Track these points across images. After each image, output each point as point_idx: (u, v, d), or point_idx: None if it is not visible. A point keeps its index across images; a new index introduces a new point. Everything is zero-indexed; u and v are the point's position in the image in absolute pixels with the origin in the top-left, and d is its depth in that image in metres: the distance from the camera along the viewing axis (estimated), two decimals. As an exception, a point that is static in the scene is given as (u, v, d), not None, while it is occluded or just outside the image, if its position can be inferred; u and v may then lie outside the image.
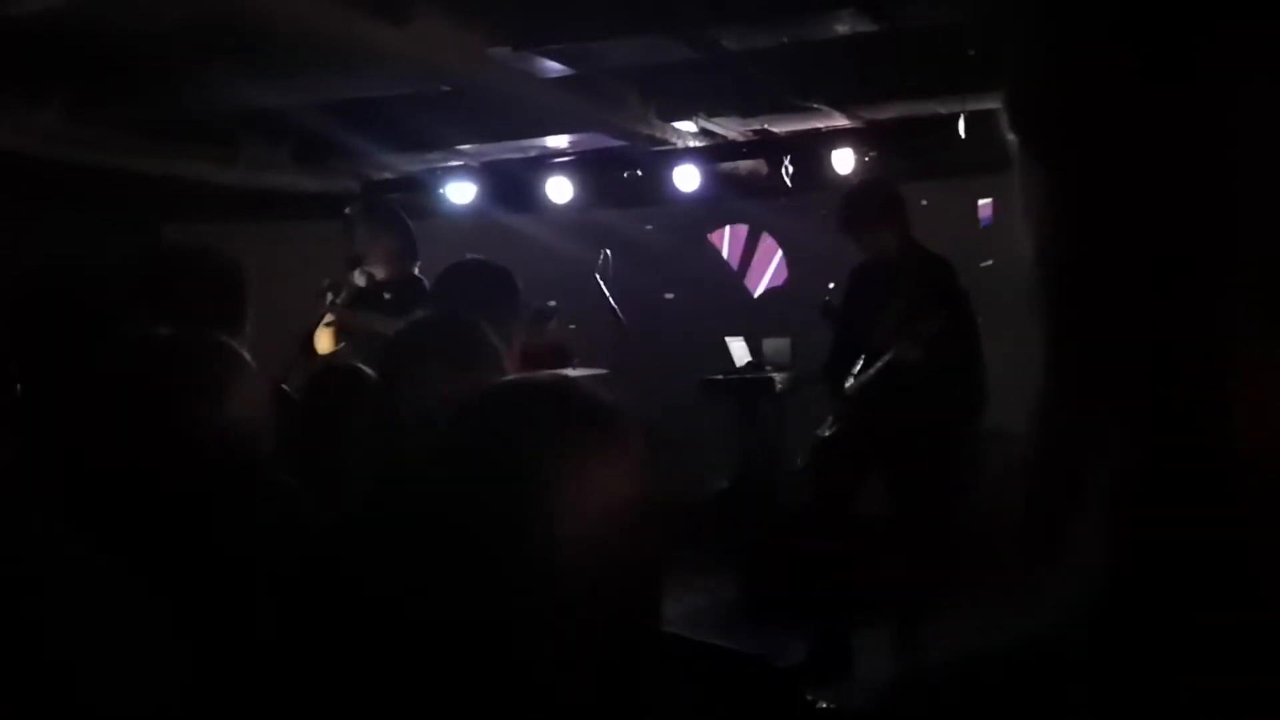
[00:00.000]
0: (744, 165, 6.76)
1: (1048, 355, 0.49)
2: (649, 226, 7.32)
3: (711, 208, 7.20)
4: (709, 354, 6.77)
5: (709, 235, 7.52)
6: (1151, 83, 0.44)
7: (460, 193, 7.26)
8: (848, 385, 4.52)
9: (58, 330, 2.17)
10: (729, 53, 4.76)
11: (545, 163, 7.00)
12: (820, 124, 6.11)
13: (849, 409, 4.51)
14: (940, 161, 5.76)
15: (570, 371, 4.70)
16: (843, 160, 6.08)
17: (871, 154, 6.09)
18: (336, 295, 4.83)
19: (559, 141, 6.76)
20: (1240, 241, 0.42)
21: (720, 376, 6.69)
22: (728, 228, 7.52)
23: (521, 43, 4.53)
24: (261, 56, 4.43)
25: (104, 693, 1.21)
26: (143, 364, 1.65)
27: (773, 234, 7.37)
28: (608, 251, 6.09)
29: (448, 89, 5.27)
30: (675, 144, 6.34)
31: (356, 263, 4.88)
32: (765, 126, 6.25)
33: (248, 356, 1.72)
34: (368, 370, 2.47)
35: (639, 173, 6.75)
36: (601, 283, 5.80)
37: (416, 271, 5.01)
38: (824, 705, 1.83)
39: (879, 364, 4.37)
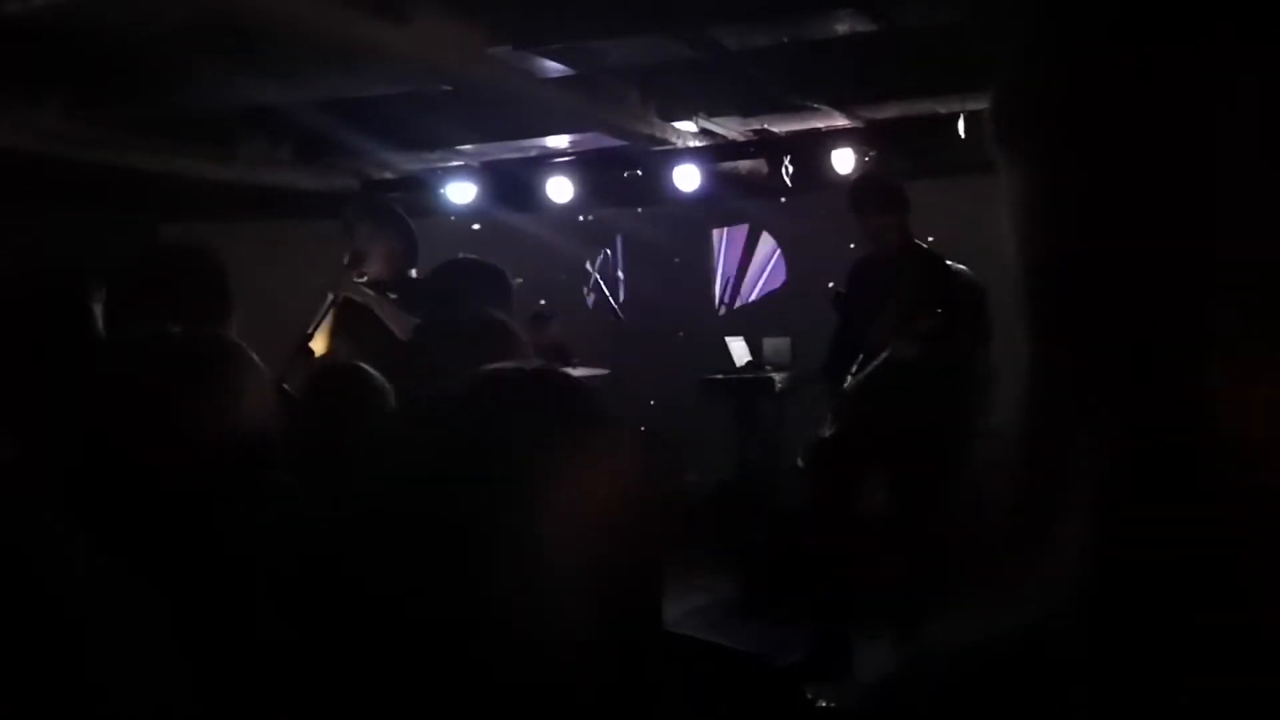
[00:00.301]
0: (744, 165, 6.76)
1: (1035, 356, 0.50)
2: (652, 226, 7.33)
3: (712, 207, 7.20)
4: (710, 354, 6.78)
5: (712, 232, 7.53)
6: (1137, 87, 0.44)
7: (460, 192, 7.26)
8: (846, 384, 4.53)
9: (49, 330, 2.17)
10: (729, 52, 4.77)
11: (545, 162, 7.01)
12: (820, 124, 6.12)
13: (847, 407, 4.52)
14: (940, 161, 5.77)
15: (571, 371, 4.70)
16: (843, 160, 6.09)
17: (871, 153, 6.09)
18: (337, 293, 4.82)
19: (559, 141, 6.76)
20: (1227, 242, 0.43)
21: (720, 376, 6.70)
22: (726, 229, 7.53)
23: (522, 42, 4.53)
24: (262, 55, 4.43)
25: (103, 692, 1.21)
26: (153, 362, 1.65)
27: (773, 233, 7.38)
28: (608, 251, 6.10)
29: (448, 88, 5.27)
30: (675, 144, 6.34)
31: (356, 261, 4.88)
32: (765, 126, 6.25)
33: (255, 356, 1.72)
34: (370, 369, 2.47)
35: (639, 172, 6.75)
36: (601, 282, 5.81)
37: (413, 274, 5.01)
38: (824, 704, 1.84)
39: (876, 362, 4.38)
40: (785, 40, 4.67)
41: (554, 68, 4.85)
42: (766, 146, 6.44)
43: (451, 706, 1.10)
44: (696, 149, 6.49)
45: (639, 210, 7.28)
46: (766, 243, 7.44)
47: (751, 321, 7.21)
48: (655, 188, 6.78)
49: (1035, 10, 0.50)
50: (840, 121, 6.05)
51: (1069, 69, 0.47)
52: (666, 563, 1.20)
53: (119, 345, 1.75)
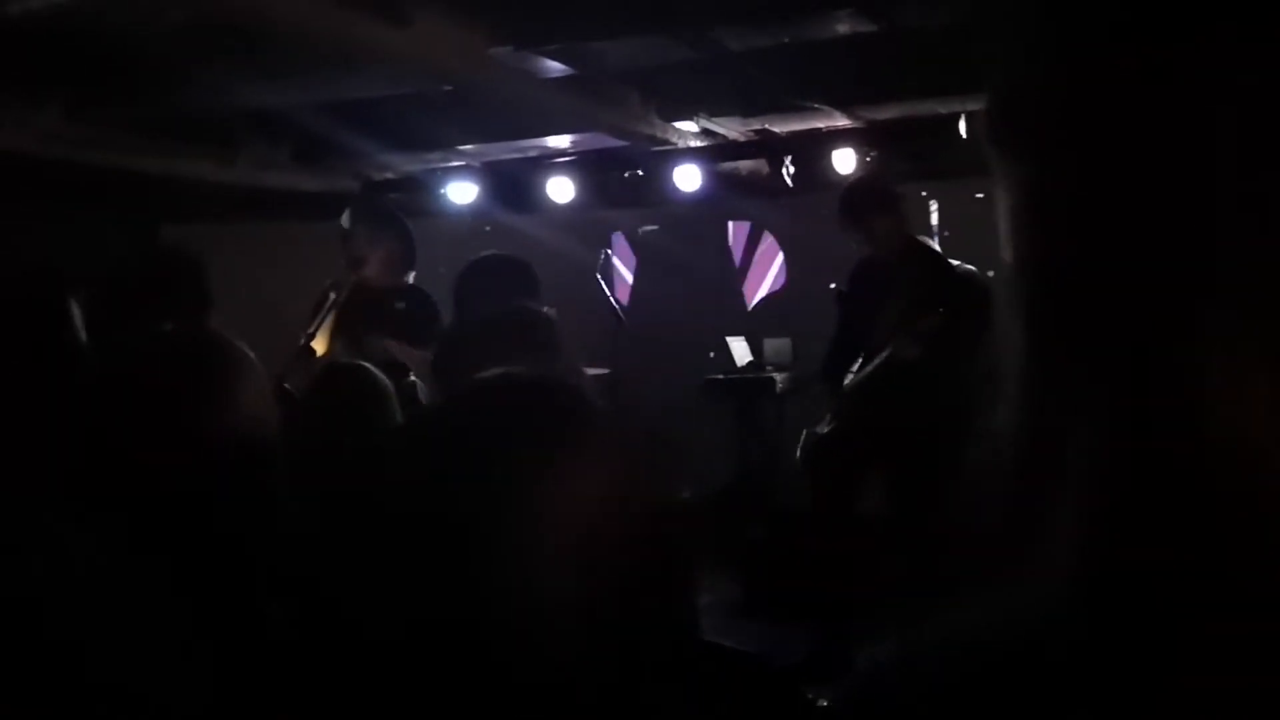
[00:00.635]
0: (745, 165, 6.76)
1: (1032, 356, 0.50)
2: (654, 227, 7.33)
3: (712, 208, 7.20)
4: (710, 354, 6.78)
5: (717, 232, 7.52)
6: (1135, 89, 0.45)
7: (461, 193, 7.26)
8: (846, 383, 4.53)
9: (29, 332, 2.17)
10: (730, 53, 4.77)
11: (546, 163, 7.01)
12: (821, 124, 6.12)
13: (847, 407, 4.52)
14: (941, 162, 5.77)
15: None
16: (843, 160, 6.09)
17: (872, 154, 6.09)
18: (338, 294, 4.83)
19: (560, 142, 6.76)
20: (1225, 244, 0.43)
21: (721, 376, 6.70)
22: (731, 224, 7.52)
23: (522, 43, 4.54)
24: (262, 57, 4.43)
25: (99, 692, 1.21)
26: (151, 360, 1.65)
27: (774, 234, 7.38)
28: (609, 251, 6.10)
29: (449, 89, 5.27)
30: (676, 144, 6.34)
31: (356, 265, 4.88)
32: (766, 126, 6.25)
33: (249, 351, 1.72)
34: (373, 369, 2.48)
35: (640, 173, 6.75)
36: (603, 283, 5.81)
37: (411, 279, 4.99)
38: (824, 704, 1.83)
39: (877, 361, 4.38)
40: (786, 41, 4.67)
41: (555, 68, 4.85)
42: (767, 147, 6.44)
43: (445, 705, 1.10)
44: (697, 149, 6.50)
45: (641, 210, 7.28)
46: (768, 244, 7.44)
47: (753, 322, 7.22)
48: (656, 188, 6.79)
49: (1034, 12, 0.50)
50: (841, 122, 6.05)
51: (1067, 71, 0.47)
52: (674, 562, 1.19)
53: (113, 343, 1.75)
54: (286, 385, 3.67)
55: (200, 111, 5.60)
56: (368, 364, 2.57)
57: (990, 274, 4.23)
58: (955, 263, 4.44)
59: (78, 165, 5.77)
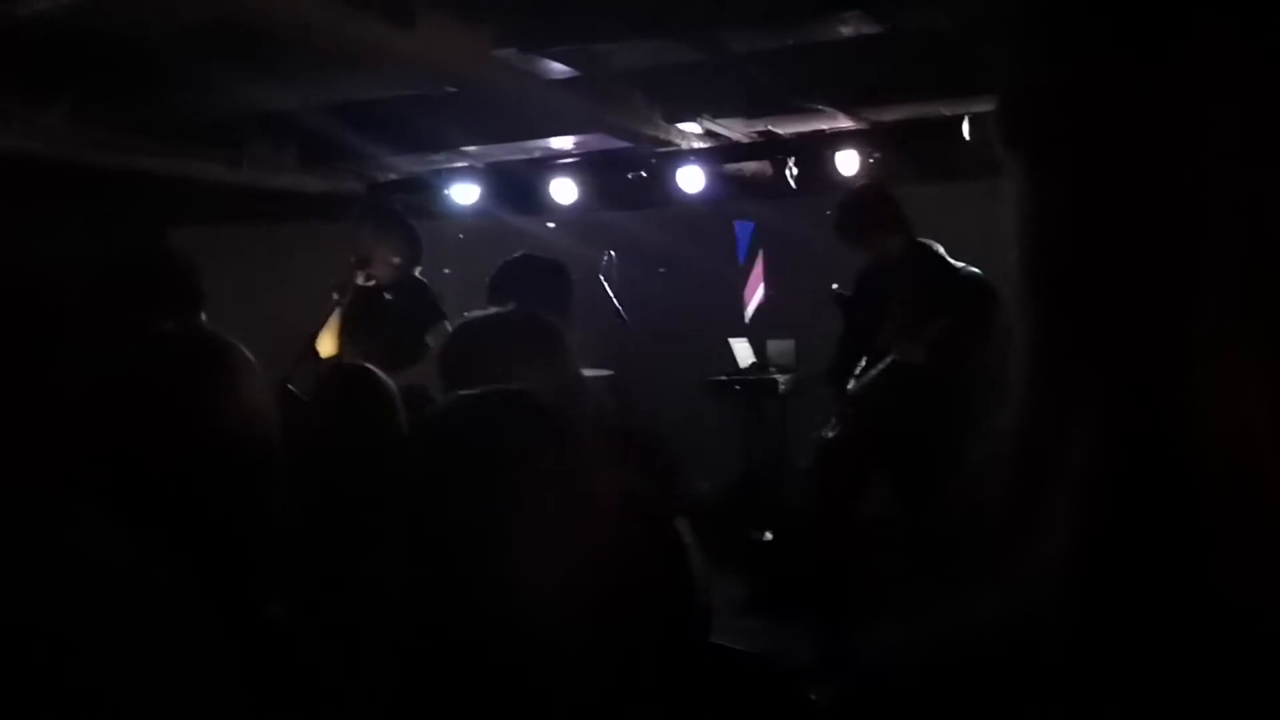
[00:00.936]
0: (748, 166, 6.76)
1: (1035, 357, 0.50)
2: (659, 228, 7.32)
3: (716, 209, 7.20)
4: (713, 355, 6.78)
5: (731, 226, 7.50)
6: (1143, 92, 0.45)
7: (465, 194, 7.26)
8: (850, 386, 4.52)
9: (35, 329, 2.17)
10: (734, 55, 4.77)
11: (550, 164, 7.01)
12: (824, 125, 6.12)
13: (852, 410, 4.52)
14: (945, 163, 5.77)
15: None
16: (847, 162, 6.08)
17: (875, 155, 6.09)
18: (342, 295, 4.85)
19: (564, 143, 6.76)
20: (1230, 246, 0.43)
21: (724, 378, 6.70)
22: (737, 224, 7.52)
23: (527, 45, 4.54)
24: (268, 58, 4.44)
25: (97, 694, 1.21)
26: (150, 358, 1.66)
27: (776, 235, 7.36)
28: (612, 253, 6.09)
29: (453, 91, 5.27)
30: (680, 145, 6.34)
31: (361, 264, 4.90)
32: (770, 128, 6.25)
33: (248, 352, 1.72)
34: (378, 372, 2.48)
35: (644, 174, 6.75)
36: (605, 284, 5.80)
37: (418, 274, 5.03)
38: (825, 704, 1.83)
39: (881, 365, 4.38)
40: (790, 43, 4.67)
41: (559, 70, 4.86)
42: (771, 148, 6.44)
43: (442, 704, 1.11)
44: (701, 150, 6.50)
45: (643, 211, 7.28)
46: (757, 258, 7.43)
47: (754, 323, 7.22)
48: (660, 189, 6.79)
49: (1041, 15, 0.50)
50: (844, 123, 6.05)
51: (1077, 73, 0.48)
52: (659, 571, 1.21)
53: (112, 342, 1.76)
54: (291, 386, 3.68)
55: (206, 113, 5.60)
56: (373, 366, 2.58)
57: (995, 276, 4.22)
58: (959, 265, 4.43)
59: (83, 166, 5.78)
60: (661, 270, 7.24)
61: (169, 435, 1.56)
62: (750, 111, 5.92)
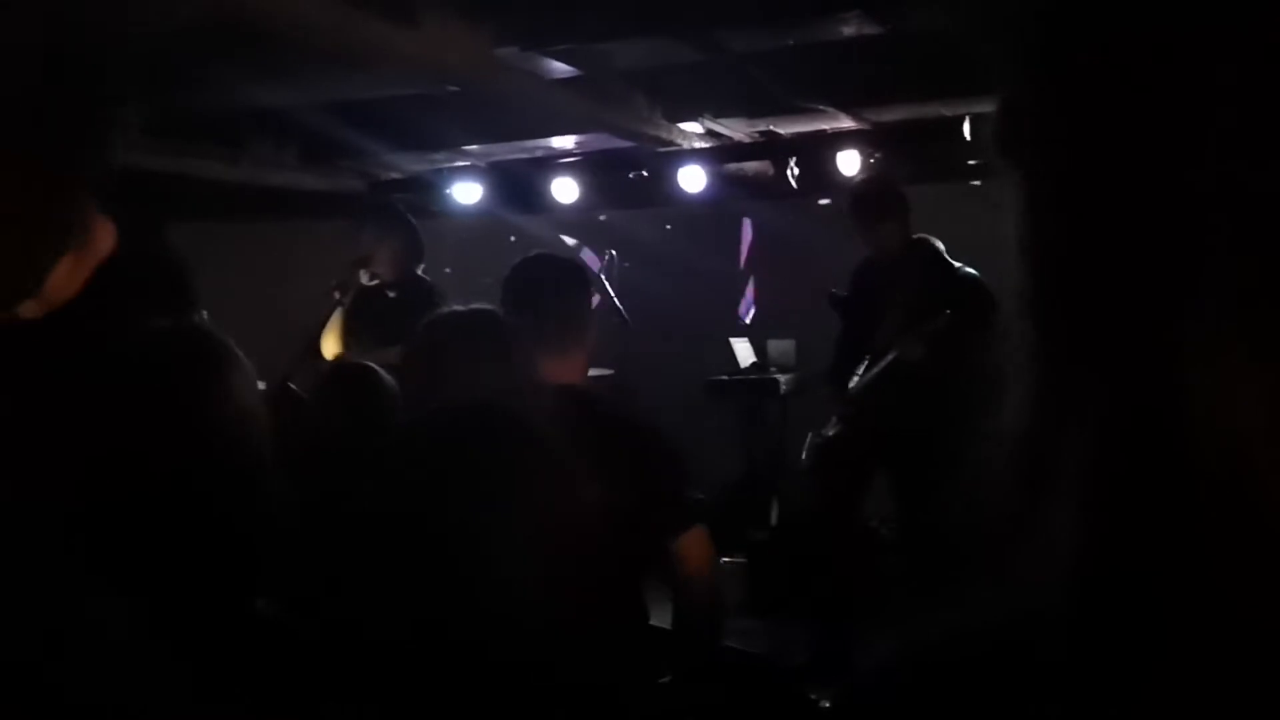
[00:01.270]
0: (750, 166, 6.76)
1: (1035, 358, 0.50)
2: (668, 227, 7.33)
3: (717, 208, 7.20)
4: (714, 355, 6.78)
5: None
6: (1145, 97, 0.45)
7: (466, 193, 7.26)
8: (851, 385, 4.53)
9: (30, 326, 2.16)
10: (735, 55, 4.77)
11: (551, 163, 7.01)
12: (826, 125, 6.12)
13: (852, 409, 4.52)
14: (945, 163, 5.77)
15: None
16: (848, 162, 6.09)
17: (876, 155, 6.10)
18: (344, 294, 4.86)
19: (565, 142, 6.76)
20: (1231, 248, 0.43)
21: (725, 377, 6.70)
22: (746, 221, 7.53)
23: (528, 44, 4.54)
24: (269, 57, 4.44)
25: (92, 691, 1.21)
26: (149, 357, 1.65)
27: (778, 235, 7.37)
28: (613, 252, 6.10)
29: (455, 90, 5.28)
30: (681, 145, 6.35)
31: (363, 262, 4.91)
32: (771, 128, 6.25)
33: (240, 352, 1.72)
34: (380, 371, 2.48)
35: (645, 173, 6.75)
36: (606, 283, 5.81)
37: (420, 272, 5.04)
38: (827, 705, 1.84)
39: (882, 364, 4.38)
40: (792, 43, 4.67)
41: (560, 69, 4.86)
42: (772, 148, 6.44)
43: (437, 703, 1.11)
44: (702, 150, 6.50)
45: (645, 211, 7.28)
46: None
47: (755, 323, 7.22)
48: (661, 189, 6.79)
49: (1042, 19, 0.50)
50: (846, 124, 6.05)
51: (1077, 78, 0.48)
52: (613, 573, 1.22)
53: (110, 340, 1.75)
54: (292, 385, 3.68)
55: (208, 111, 5.60)
56: (375, 366, 2.58)
57: (995, 275, 4.22)
58: (957, 264, 4.44)
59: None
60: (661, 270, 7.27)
61: (163, 431, 1.56)
62: (751, 111, 5.92)
